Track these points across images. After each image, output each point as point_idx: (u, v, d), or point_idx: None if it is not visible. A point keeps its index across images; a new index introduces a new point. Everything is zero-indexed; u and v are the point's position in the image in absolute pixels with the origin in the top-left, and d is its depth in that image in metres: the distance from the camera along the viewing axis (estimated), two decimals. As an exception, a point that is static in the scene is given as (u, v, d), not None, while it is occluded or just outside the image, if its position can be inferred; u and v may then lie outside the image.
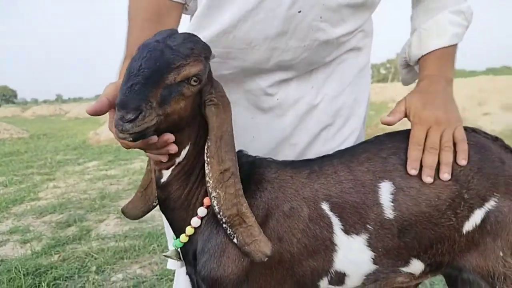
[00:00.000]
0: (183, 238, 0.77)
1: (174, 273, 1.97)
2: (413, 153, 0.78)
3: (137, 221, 3.02)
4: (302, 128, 0.97)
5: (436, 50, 0.91)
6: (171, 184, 0.75)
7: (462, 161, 0.76)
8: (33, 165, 6.00)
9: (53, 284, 2.00)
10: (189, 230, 0.76)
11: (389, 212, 0.75)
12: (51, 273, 2.12)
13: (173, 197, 0.76)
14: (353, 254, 0.77)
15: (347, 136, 1.01)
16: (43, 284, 1.97)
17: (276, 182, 0.78)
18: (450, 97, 0.87)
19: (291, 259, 0.77)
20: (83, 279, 2.07)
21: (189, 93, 0.67)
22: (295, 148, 0.98)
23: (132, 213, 0.88)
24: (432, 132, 0.79)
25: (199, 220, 0.76)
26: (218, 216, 0.72)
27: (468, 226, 0.76)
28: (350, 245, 0.77)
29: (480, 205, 0.76)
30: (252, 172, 0.79)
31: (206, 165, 0.73)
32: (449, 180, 0.75)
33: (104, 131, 8.94)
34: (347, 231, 0.77)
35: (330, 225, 0.77)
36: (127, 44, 0.89)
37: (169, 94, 0.64)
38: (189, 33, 0.71)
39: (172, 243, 0.80)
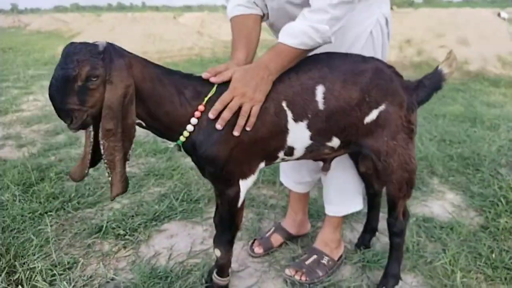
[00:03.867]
0: (183, 138, 1.13)
1: (159, 170, 2.41)
2: (218, 106, 1.09)
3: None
4: None
5: (281, 44, 1.14)
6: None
7: (235, 132, 1.10)
8: (7, 78, 6.08)
9: (57, 177, 2.41)
10: (186, 134, 1.12)
11: (321, 105, 1.15)
12: (53, 169, 2.52)
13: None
14: (298, 134, 1.18)
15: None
16: (51, 175, 2.38)
17: None
18: (264, 82, 1.12)
19: (262, 141, 1.16)
20: (82, 174, 2.48)
21: (95, 86, 0.98)
22: None
23: (77, 175, 1.11)
24: (235, 100, 1.10)
25: (192, 127, 1.12)
26: (102, 158, 1.04)
27: (368, 119, 1.19)
28: (297, 128, 1.17)
29: (376, 107, 1.18)
30: None
31: (100, 127, 1.01)
32: (357, 88, 1.15)
33: (74, 47, 8.82)
34: (295, 119, 1.16)
35: (286, 116, 1.15)
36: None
37: (83, 94, 0.98)
38: (73, 48, 0.98)
39: (177, 142, 1.16)
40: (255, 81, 1.11)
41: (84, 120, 1.00)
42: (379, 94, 1.18)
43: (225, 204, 1.22)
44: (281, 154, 1.23)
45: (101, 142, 1.03)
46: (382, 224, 1.93)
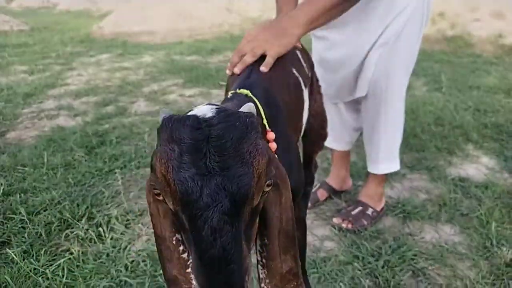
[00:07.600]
0: None
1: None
2: (235, 60, 1.00)
3: (165, 102, 3.61)
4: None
5: None
6: None
7: (262, 67, 0.95)
8: (49, 55, 6.37)
9: (116, 141, 2.64)
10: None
11: (306, 70, 1.22)
12: (110, 135, 2.75)
13: None
14: (306, 103, 1.15)
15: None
16: (111, 138, 2.61)
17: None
18: (284, 33, 1.02)
19: (298, 113, 1.07)
20: (136, 140, 2.71)
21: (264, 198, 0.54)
22: None
23: None
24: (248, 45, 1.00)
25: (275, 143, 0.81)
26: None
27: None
28: (306, 94, 1.14)
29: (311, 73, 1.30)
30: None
31: (261, 267, 0.59)
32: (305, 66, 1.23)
33: (107, 24, 9.08)
34: (305, 85, 1.13)
35: (299, 83, 1.08)
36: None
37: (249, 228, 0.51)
38: (227, 127, 0.50)
39: None
40: (275, 29, 1.02)
41: None
42: (310, 63, 1.33)
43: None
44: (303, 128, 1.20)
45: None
46: (420, 182, 2.07)
